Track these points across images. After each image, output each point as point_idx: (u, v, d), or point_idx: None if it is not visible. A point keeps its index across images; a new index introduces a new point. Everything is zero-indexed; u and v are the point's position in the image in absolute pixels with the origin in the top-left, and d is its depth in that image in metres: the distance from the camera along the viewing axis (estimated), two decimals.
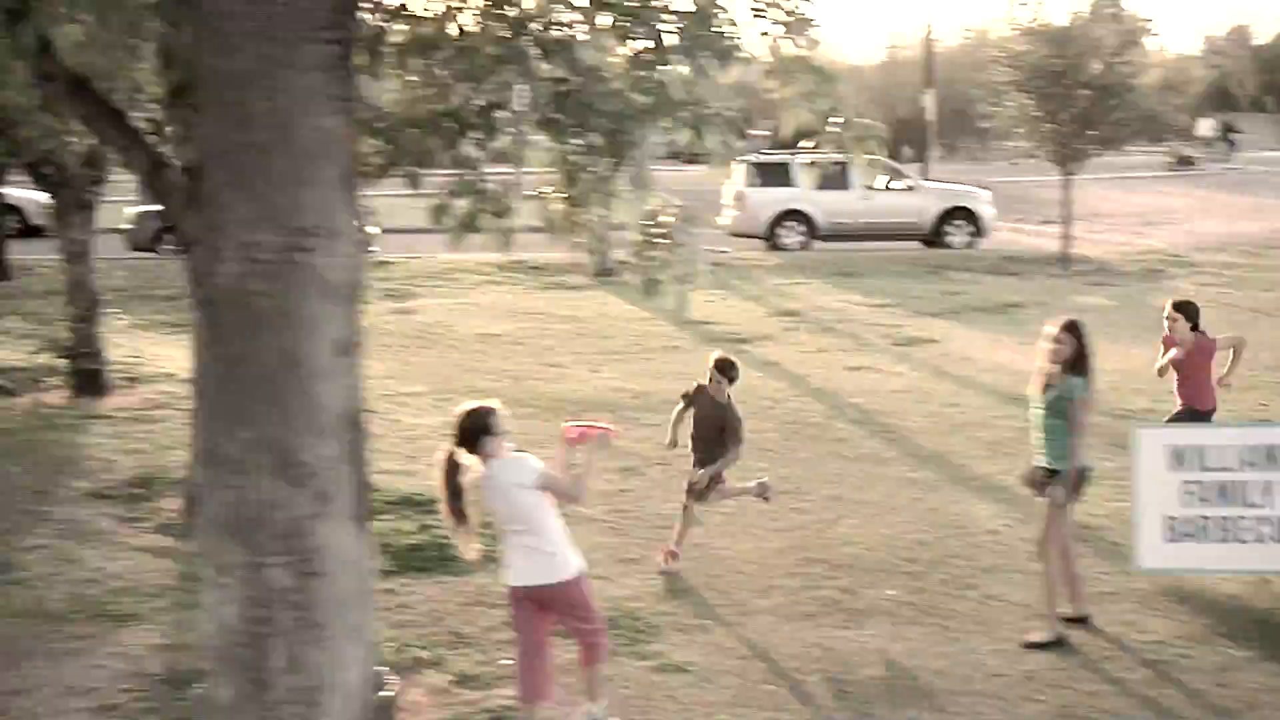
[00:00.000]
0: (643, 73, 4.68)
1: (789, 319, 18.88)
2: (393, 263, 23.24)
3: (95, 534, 9.28)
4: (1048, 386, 7.59)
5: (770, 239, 27.12)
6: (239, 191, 3.36)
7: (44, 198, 26.07)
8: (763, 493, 9.37)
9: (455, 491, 6.16)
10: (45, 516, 9.54)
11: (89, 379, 12.97)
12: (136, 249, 25.26)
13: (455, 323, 18.28)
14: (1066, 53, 22.90)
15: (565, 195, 5.40)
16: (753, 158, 27.76)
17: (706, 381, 8.79)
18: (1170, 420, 9.60)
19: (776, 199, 27.00)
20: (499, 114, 4.66)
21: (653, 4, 4.64)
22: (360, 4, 3.59)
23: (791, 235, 27.16)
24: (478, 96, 4.66)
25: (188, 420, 11.34)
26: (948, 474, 11.09)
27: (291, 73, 3.31)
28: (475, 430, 6.14)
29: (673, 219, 5.52)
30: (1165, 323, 9.71)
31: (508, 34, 4.64)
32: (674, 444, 9.10)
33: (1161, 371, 9.80)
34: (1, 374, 13.31)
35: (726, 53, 4.66)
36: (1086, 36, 23.21)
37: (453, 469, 6.15)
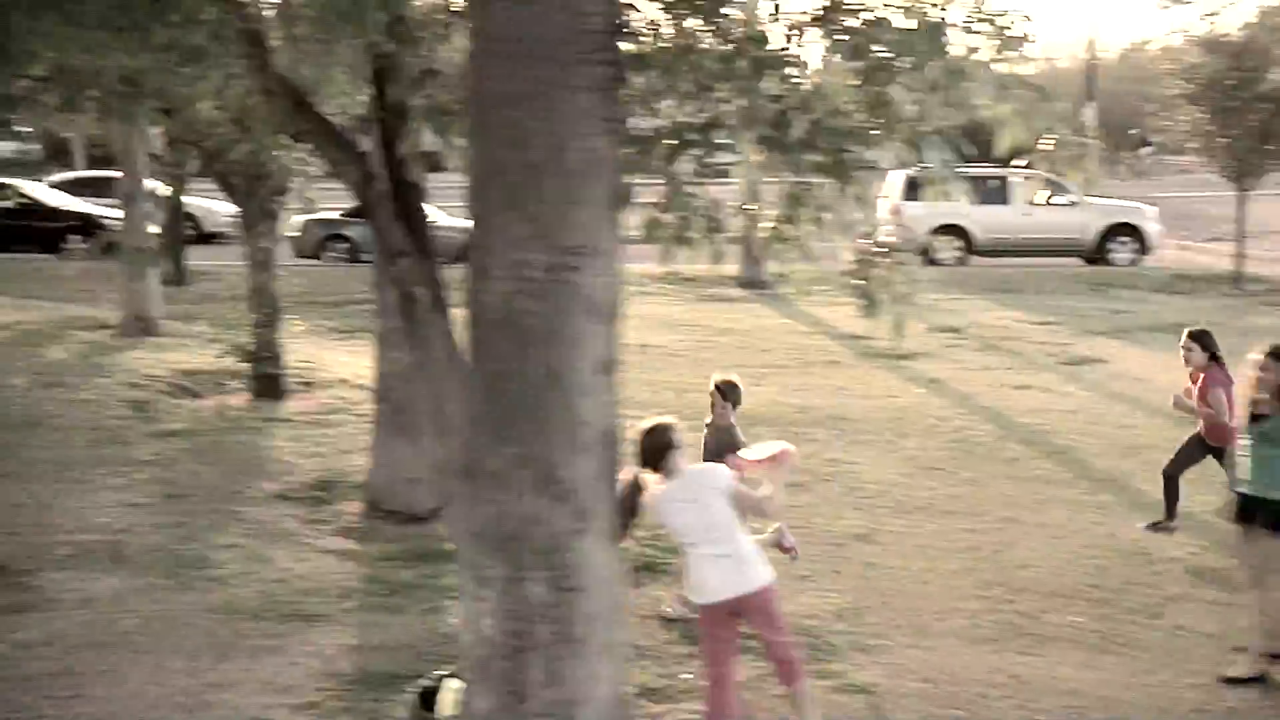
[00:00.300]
0: (867, 90, 4.67)
1: (949, 335, 18.61)
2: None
3: (282, 534, 9.58)
4: (1257, 416, 7.35)
5: (925, 254, 26.77)
6: (510, 211, 3.43)
7: (219, 206, 27.28)
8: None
9: (632, 510, 6.18)
10: (235, 516, 9.87)
11: (269, 383, 13.39)
12: (301, 256, 25.99)
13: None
14: (1243, 65, 22.18)
15: (779, 212, 5.41)
16: (909, 171, 27.44)
17: (710, 405, 8.42)
18: (1221, 460, 9.41)
19: (933, 213, 26.63)
20: (717, 130, 4.68)
21: (876, 21, 4.62)
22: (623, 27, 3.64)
23: (948, 250, 26.77)
24: (696, 113, 4.69)
25: (365, 425, 11.67)
26: (1125, 498, 10.81)
27: (566, 94, 3.38)
28: (659, 447, 6.16)
29: (894, 238, 5.50)
30: (1181, 353, 9.75)
31: (728, 50, 4.66)
32: None
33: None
34: (187, 377, 13.81)
35: (955, 71, 4.62)
36: (1263, 48, 22.45)
37: (635, 489, 6.18)
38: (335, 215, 26.98)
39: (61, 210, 26.88)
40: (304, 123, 6.15)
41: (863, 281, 5.42)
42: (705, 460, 8.15)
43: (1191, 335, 9.72)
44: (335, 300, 20.50)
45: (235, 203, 13.79)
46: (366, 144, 6.39)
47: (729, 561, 6.17)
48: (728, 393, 8.43)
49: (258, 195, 13.27)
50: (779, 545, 8.49)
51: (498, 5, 3.42)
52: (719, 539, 6.16)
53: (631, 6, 3.74)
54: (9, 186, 26.93)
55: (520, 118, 3.40)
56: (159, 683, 6.99)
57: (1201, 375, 9.62)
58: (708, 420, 8.51)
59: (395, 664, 7.39)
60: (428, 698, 5.19)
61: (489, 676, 3.51)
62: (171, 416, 12.42)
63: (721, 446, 8.28)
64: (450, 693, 5.11)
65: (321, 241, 26.31)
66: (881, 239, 5.48)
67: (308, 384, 14.06)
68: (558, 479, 3.47)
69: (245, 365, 13.55)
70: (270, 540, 9.40)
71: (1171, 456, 10.01)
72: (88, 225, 26.37)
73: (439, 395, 6.29)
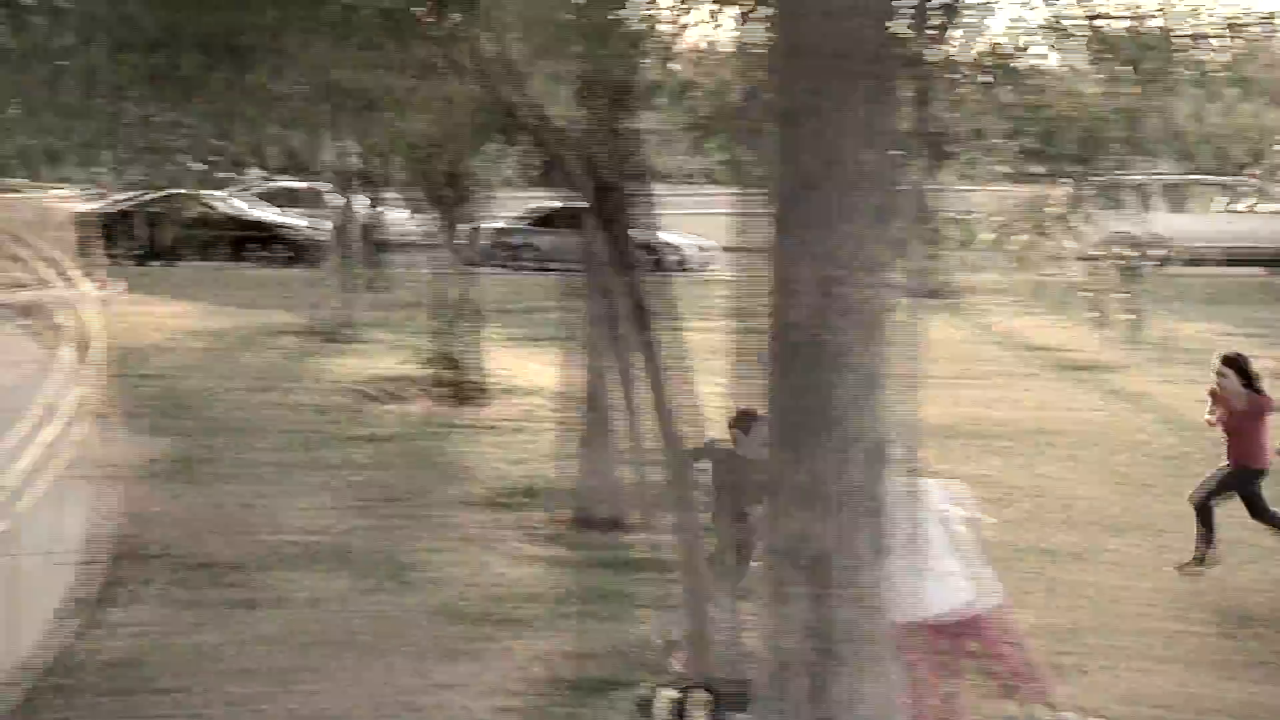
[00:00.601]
0: (1122, 98, 4.58)
1: (1145, 347, 17.98)
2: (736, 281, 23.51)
3: (489, 540, 9.76)
4: None
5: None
6: (817, 226, 3.46)
7: (401, 214, 27.96)
8: None
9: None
10: (442, 520, 10.10)
11: (465, 389, 13.66)
12: (483, 264, 26.46)
13: None
14: None
15: (1026, 221, 5.34)
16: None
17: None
18: (1222, 480, 9.06)
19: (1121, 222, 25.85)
20: (971, 141, 4.63)
21: (1132, 30, 4.52)
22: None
23: (1138, 259, 25.95)
24: (941, 122, 4.65)
25: (561, 432, 11.83)
26: None
27: (869, 107, 3.39)
28: None
29: (1134, 249, 5.38)
30: (1214, 377, 9.13)
31: (984, 61, 4.62)
32: None
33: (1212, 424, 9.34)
34: (386, 382, 14.18)
35: (1212, 78, 4.49)
36: None
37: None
38: (517, 224, 27.47)
39: (249, 220, 27.79)
40: (528, 135, 6.29)
41: (1097, 293, 5.30)
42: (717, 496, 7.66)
43: (1226, 360, 9.05)
44: (518, 308, 20.82)
45: (431, 212, 14.12)
46: (587, 156, 6.51)
47: (951, 578, 6.09)
48: (747, 423, 7.48)
49: (454, 204, 13.58)
50: None
51: (803, 19, 3.44)
52: (944, 554, 6.08)
53: (928, 19, 3.73)
54: (198, 197, 27.96)
55: (822, 131, 3.41)
56: (387, 681, 7.19)
57: (1246, 407, 8.97)
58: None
59: (607, 671, 7.47)
60: (645, 707, 5.23)
61: (786, 693, 3.53)
62: (375, 421, 12.77)
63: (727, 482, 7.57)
64: (667, 701, 5.15)
65: (503, 249, 26.74)
66: (1120, 250, 5.35)
67: (500, 390, 14.29)
68: (860, 496, 3.48)
69: (441, 371, 13.84)
70: (479, 545, 9.59)
71: (1245, 504, 9.19)
72: (274, 234, 27.26)
73: (652, 404, 6.39)
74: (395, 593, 8.51)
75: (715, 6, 5.31)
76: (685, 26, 5.84)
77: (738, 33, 5.49)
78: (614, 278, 6.55)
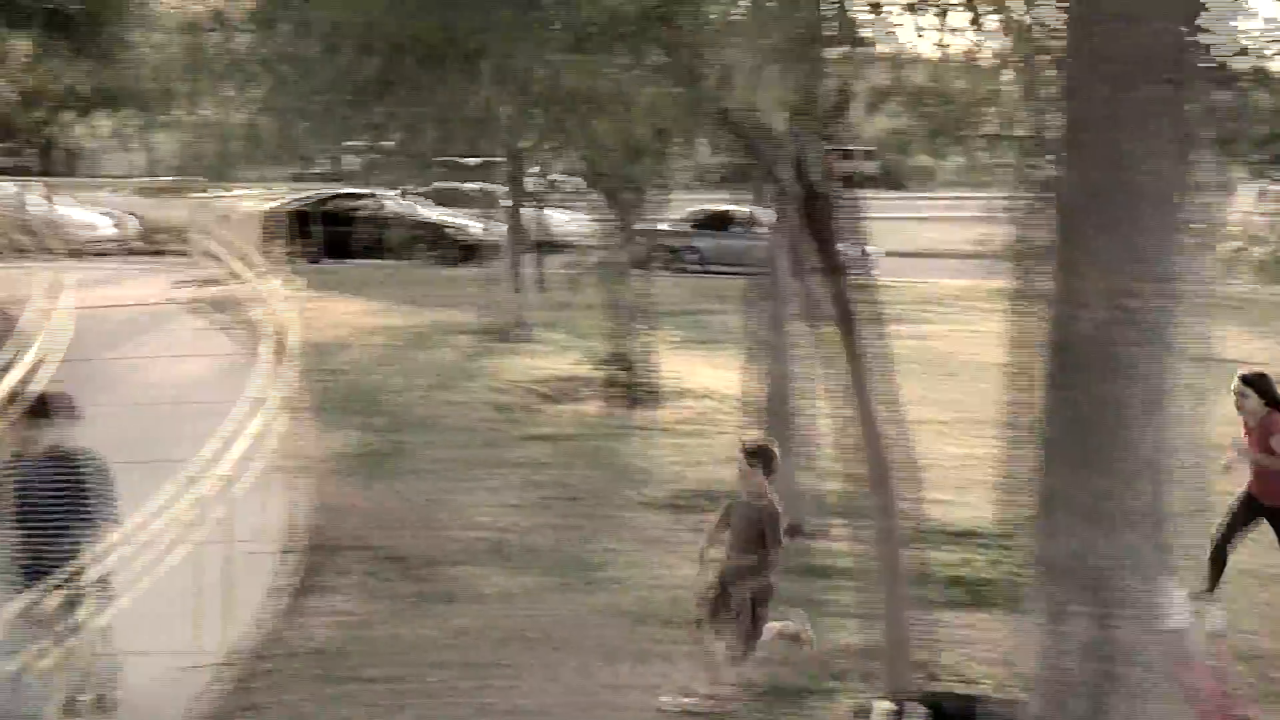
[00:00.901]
0: None
1: None
2: (897, 287, 23.24)
3: (671, 542, 9.77)
4: None
5: None
6: (1108, 236, 3.39)
7: (554, 214, 28.24)
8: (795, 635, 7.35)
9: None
10: (621, 521, 10.17)
11: (633, 391, 13.74)
12: (636, 266, 26.52)
13: (970, 350, 17.99)
14: None
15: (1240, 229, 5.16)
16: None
17: (736, 474, 7.16)
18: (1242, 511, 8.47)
19: None
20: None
21: None
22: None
23: None
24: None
25: (733, 435, 11.78)
26: None
27: (1170, 118, 3.32)
28: None
29: None
30: (1234, 398, 8.41)
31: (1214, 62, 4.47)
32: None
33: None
34: (558, 383, 14.34)
35: None
36: None
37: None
38: (678, 226, 27.54)
39: (415, 220, 28.24)
40: (728, 138, 6.31)
41: None
42: (735, 545, 7.09)
43: (1245, 380, 8.40)
44: (674, 309, 20.88)
45: (607, 214, 14.23)
46: (797, 161, 6.49)
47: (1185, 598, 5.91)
48: (762, 458, 7.08)
49: (632, 206, 13.67)
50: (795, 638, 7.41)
51: (1103, 26, 3.37)
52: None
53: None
54: (374, 196, 28.39)
55: (1120, 141, 3.34)
56: (582, 679, 7.26)
57: (1259, 424, 8.36)
58: (729, 502, 7.30)
59: (797, 677, 7.43)
60: (863, 715, 5.19)
61: (1065, 714, 3.47)
62: (551, 421, 12.93)
63: (757, 528, 7.04)
64: (881, 716, 5.10)
65: (665, 252, 26.82)
66: None
67: (672, 393, 14.34)
68: (1147, 514, 3.40)
69: (614, 372, 13.94)
70: (661, 547, 9.62)
71: (1222, 522, 8.60)
72: (438, 234, 27.69)
73: (856, 412, 6.34)
74: (583, 591, 8.59)
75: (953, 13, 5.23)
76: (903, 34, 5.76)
77: (978, 40, 5.40)
78: (818, 283, 6.52)
